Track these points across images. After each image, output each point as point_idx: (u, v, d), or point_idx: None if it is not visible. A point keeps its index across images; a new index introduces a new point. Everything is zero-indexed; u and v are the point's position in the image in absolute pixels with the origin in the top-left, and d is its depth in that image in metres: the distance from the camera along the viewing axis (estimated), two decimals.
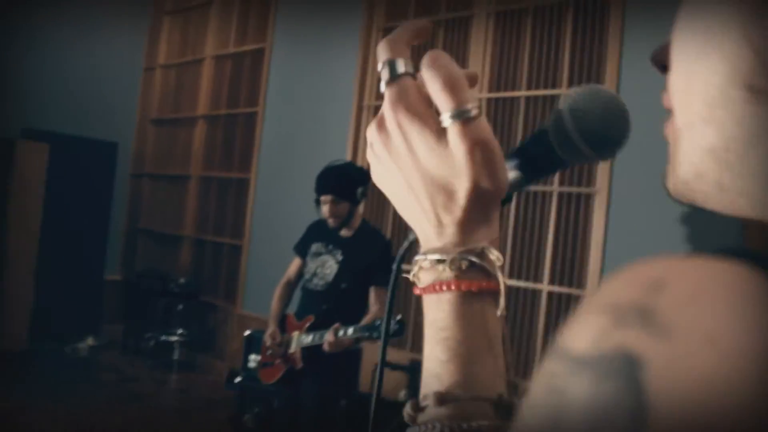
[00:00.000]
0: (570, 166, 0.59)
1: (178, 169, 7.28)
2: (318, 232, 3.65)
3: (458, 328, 0.53)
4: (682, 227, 3.74)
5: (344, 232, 3.52)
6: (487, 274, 0.54)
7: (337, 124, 5.59)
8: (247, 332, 4.58)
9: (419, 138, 0.54)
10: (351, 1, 5.66)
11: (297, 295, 3.76)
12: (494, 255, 0.54)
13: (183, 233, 7.08)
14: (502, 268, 0.54)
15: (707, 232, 3.69)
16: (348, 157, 5.32)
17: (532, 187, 4.35)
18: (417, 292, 0.56)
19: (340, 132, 5.55)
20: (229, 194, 6.67)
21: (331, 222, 3.45)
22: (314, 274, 3.54)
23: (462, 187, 0.53)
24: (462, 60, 5.00)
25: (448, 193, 0.54)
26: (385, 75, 0.57)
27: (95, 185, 6.88)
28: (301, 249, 3.71)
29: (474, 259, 0.53)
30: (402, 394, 4.66)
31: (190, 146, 7.16)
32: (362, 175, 3.52)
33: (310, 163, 5.57)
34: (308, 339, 3.35)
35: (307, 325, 3.42)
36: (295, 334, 3.46)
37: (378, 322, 3.11)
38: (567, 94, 0.58)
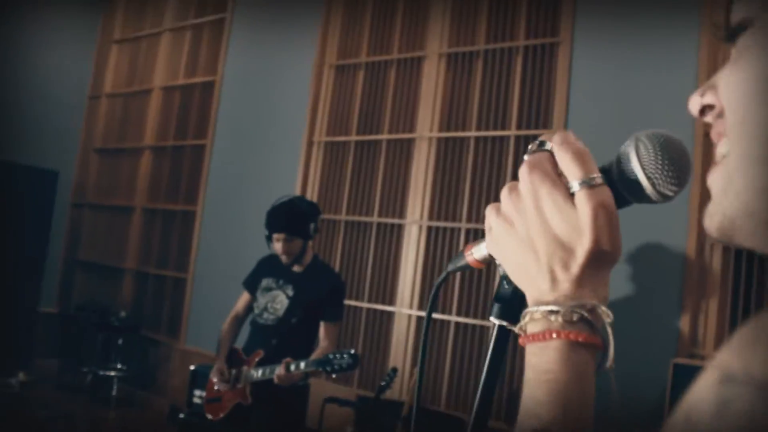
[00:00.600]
0: (628, 205, 0.63)
1: (122, 200, 7.14)
2: (269, 267, 3.63)
3: (562, 373, 0.57)
4: (630, 265, 3.86)
5: (296, 268, 3.52)
6: (593, 329, 0.58)
7: (287, 160, 5.60)
8: (193, 367, 4.49)
9: (549, 198, 0.59)
10: (303, 37, 5.72)
11: (245, 330, 3.72)
12: (604, 312, 0.59)
13: (125, 266, 6.91)
14: (611, 324, 0.58)
15: (649, 271, 3.82)
16: (297, 193, 5.32)
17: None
18: (523, 341, 0.60)
19: (289, 167, 5.56)
20: (174, 227, 6.56)
21: (284, 259, 3.45)
22: (264, 309, 3.51)
23: (582, 247, 0.58)
24: (413, 99, 5.09)
25: (568, 251, 0.58)
26: (532, 147, 0.64)
27: (33, 214, 6.68)
28: (251, 284, 3.68)
29: (584, 313, 0.58)
30: (349, 431, 4.61)
31: (135, 177, 7.04)
32: (313, 210, 3.53)
33: (258, 198, 5.56)
34: (258, 374, 3.31)
35: (257, 359, 3.38)
36: (245, 369, 3.41)
37: (331, 356, 3.10)
38: (634, 134, 0.62)
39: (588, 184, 0.58)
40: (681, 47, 3.84)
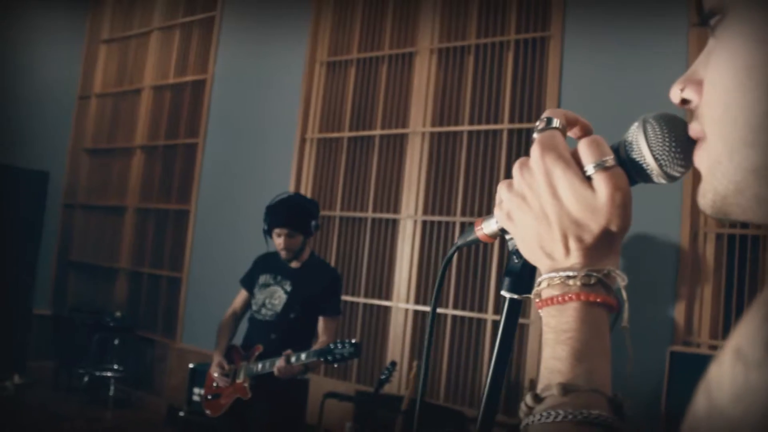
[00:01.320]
0: (635, 184, 0.64)
1: (114, 200, 7.12)
2: (266, 264, 3.64)
3: (581, 331, 0.60)
4: (625, 255, 3.90)
5: (293, 264, 3.53)
6: (609, 291, 0.62)
7: (280, 157, 5.60)
8: (192, 365, 4.49)
9: (563, 178, 0.62)
10: (294, 34, 5.72)
11: (242, 327, 3.73)
12: (619, 275, 0.63)
13: (118, 266, 6.90)
14: (625, 287, 0.63)
15: (643, 261, 3.86)
16: (291, 190, 5.33)
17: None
18: (541, 305, 0.63)
19: (282, 164, 5.56)
20: (168, 226, 6.55)
21: (283, 254, 3.46)
22: (263, 305, 3.52)
23: (596, 225, 0.61)
24: (405, 95, 5.11)
25: (581, 227, 0.61)
26: (540, 125, 0.65)
27: (24, 215, 6.64)
28: (248, 282, 3.69)
29: (601, 276, 0.61)
30: (348, 426, 4.64)
31: (127, 177, 7.03)
32: (315, 208, 3.55)
33: (251, 196, 5.57)
34: (257, 368, 3.32)
35: (256, 354, 3.39)
36: (243, 364, 3.42)
37: (332, 346, 3.12)
38: (642, 116, 0.64)
39: (602, 166, 0.61)
40: (671, 39, 3.87)
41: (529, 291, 0.68)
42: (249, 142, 5.91)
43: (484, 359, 4.46)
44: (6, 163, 6.51)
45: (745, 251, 3.68)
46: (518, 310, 0.72)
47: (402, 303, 4.86)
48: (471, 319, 4.56)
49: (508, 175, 0.67)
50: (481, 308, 4.53)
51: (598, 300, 0.61)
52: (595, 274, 0.61)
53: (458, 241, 0.79)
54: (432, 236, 4.83)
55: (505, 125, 4.58)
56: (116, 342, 6.21)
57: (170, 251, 6.47)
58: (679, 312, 3.74)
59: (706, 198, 0.55)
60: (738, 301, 3.67)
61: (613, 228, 0.61)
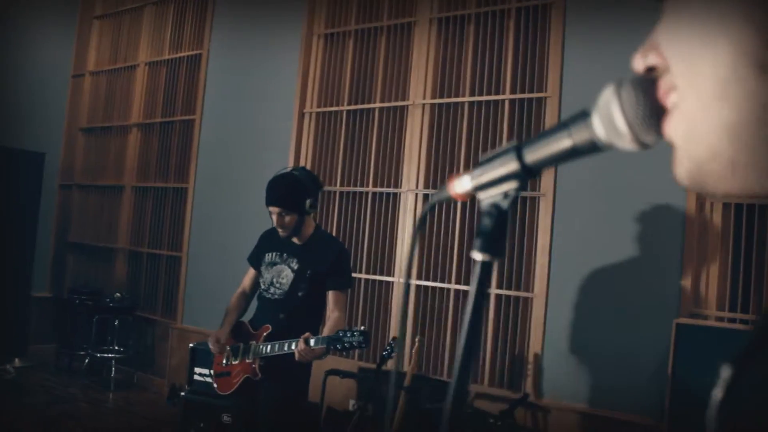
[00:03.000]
0: (601, 151, 0.61)
1: (111, 179, 7.04)
2: (271, 241, 3.55)
3: None
4: (630, 226, 3.83)
5: (298, 240, 3.45)
6: None
7: (278, 132, 5.52)
8: (192, 345, 4.44)
9: None
10: (291, 8, 5.60)
11: (254, 304, 3.66)
12: None
13: (117, 246, 6.84)
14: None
15: (649, 231, 3.79)
16: (290, 165, 5.25)
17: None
18: None
19: (281, 139, 5.48)
20: (166, 204, 6.48)
21: (280, 232, 3.38)
22: (271, 284, 3.45)
23: None
24: (405, 66, 5.01)
25: None
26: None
27: (21, 197, 6.57)
28: (255, 259, 3.61)
29: None
30: (351, 403, 4.60)
31: (124, 155, 6.94)
32: (312, 185, 3.41)
33: (250, 172, 5.50)
34: (267, 349, 3.26)
35: (265, 334, 3.33)
36: (253, 344, 3.36)
37: (341, 333, 3.05)
38: (619, 78, 0.60)
39: None
40: None
41: (501, 253, 0.64)
42: (247, 117, 5.82)
43: (488, 334, 4.40)
44: (1, 144, 6.43)
45: (752, 220, 3.61)
46: (490, 272, 0.69)
47: (404, 278, 4.79)
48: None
49: None
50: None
51: None
52: None
53: (432, 199, 0.80)
54: (433, 210, 4.75)
55: (507, 96, 4.49)
56: (116, 323, 6.17)
57: (169, 230, 6.40)
58: (685, 283, 3.68)
59: (682, 166, 0.52)
60: (746, 271, 3.61)
61: None
